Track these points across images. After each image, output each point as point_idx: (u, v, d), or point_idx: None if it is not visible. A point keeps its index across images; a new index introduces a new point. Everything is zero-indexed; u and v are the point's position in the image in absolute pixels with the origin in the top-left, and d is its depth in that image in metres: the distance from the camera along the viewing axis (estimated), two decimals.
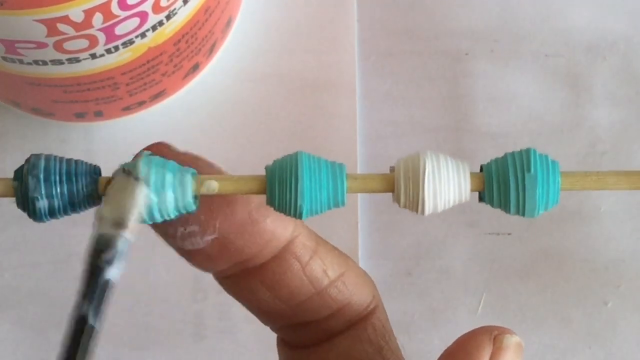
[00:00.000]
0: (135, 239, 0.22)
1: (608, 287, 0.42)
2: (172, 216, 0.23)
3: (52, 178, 0.23)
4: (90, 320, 0.21)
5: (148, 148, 0.25)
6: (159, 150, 0.25)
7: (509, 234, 0.43)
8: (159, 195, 0.23)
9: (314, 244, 0.26)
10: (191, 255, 0.25)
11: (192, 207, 0.23)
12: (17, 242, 0.42)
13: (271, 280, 0.26)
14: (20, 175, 0.23)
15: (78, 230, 0.42)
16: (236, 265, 0.26)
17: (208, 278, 0.42)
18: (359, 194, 0.42)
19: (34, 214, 0.23)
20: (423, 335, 0.41)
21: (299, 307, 0.26)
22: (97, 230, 0.22)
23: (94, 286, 0.21)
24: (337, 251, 0.27)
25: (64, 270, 0.42)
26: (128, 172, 0.23)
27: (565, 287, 0.42)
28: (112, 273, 0.22)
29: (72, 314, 0.21)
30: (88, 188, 0.23)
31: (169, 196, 0.23)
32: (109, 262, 0.21)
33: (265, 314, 0.27)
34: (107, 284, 0.22)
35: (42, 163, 0.23)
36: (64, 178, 0.23)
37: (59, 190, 0.23)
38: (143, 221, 0.23)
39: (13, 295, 0.42)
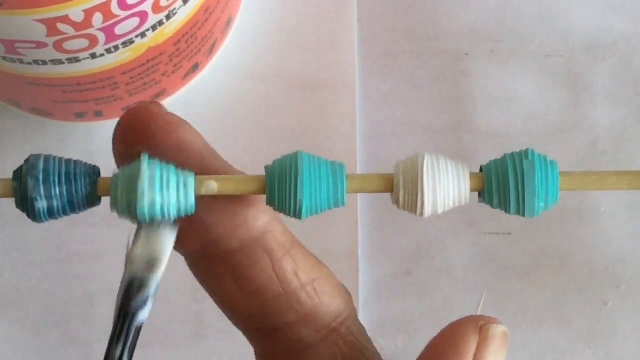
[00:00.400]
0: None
1: (608, 287, 0.42)
2: (173, 218, 0.23)
3: (51, 179, 0.23)
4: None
5: (139, 105, 0.24)
6: (149, 107, 0.24)
7: (509, 233, 0.43)
8: (162, 196, 0.23)
9: (289, 244, 0.26)
10: None
11: (193, 210, 0.23)
12: (17, 242, 0.42)
13: (239, 271, 0.25)
14: (19, 175, 0.23)
15: (78, 230, 0.42)
16: (205, 248, 0.25)
17: None
18: (359, 194, 0.42)
19: (33, 215, 0.23)
20: (423, 335, 0.41)
21: (265, 307, 0.26)
22: (128, 269, 0.22)
23: (127, 330, 0.21)
24: (313, 257, 0.26)
25: (64, 270, 0.42)
26: (166, 220, 0.23)
27: (565, 287, 0.42)
28: (144, 315, 0.22)
29: (105, 358, 0.21)
30: (87, 189, 0.23)
31: (172, 200, 0.23)
32: (143, 305, 0.22)
33: (232, 310, 0.26)
34: (139, 326, 0.22)
35: (41, 164, 0.23)
36: (63, 179, 0.23)
37: (58, 190, 0.23)
38: (141, 220, 0.23)
39: (13, 295, 0.42)
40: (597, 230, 0.43)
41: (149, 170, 0.23)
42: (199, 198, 0.24)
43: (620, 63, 0.44)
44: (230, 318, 0.27)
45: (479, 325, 0.24)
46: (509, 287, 0.42)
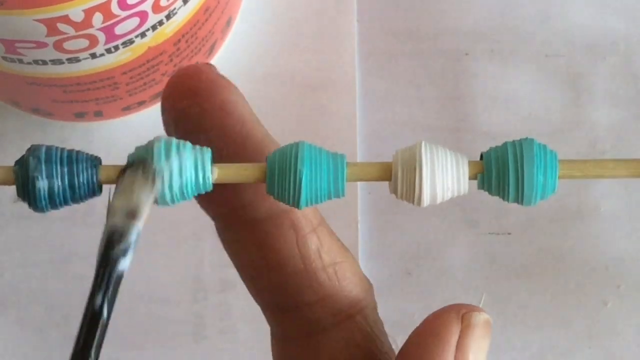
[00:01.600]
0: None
1: (608, 287, 0.42)
2: (191, 197, 0.23)
3: (53, 158, 0.23)
4: (105, 313, 0.21)
5: (191, 65, 0.25)
6: (197, 67, 0.25)
7: (509, 233, 0.43)
8: (178, 179, 0.23)
9: (317, 222, 0.26)
10: None
11: (210, 187, 0.23)
12: (17, 242, 0.42)
13: (263, 241, 0.25)
14: (21, 161, 0.23)
15: (78, 230, 0.42)
16: (233, 212, 0.25)
17: (208, 278, 0.42)
18: (359, 194, 0.42)
19: (34, 198, 0.23)
20: None
21: (284, 282, 0.26)
22: (109, 221, 0.22)
23: (108, 278, 0.21)
24: (340, 242, 0.26)
25: (64, 270, 0.42)
26: (141, 163, 0.23)
27: (565, 287, 0.42)
28: (124, 264, 0.22)
29: (86, 306, 0.21)
30: (89, 172, 0.23)
31: (189, 179, 0.23)
32: (123, 254, 0.22)
33: (252, 281, 0.27)
34: (120, 275, 0.22)
35: (44, 148, 0.23)
36: (65, 161, 0.23)
37: (59, 170, 0.23)
38: (165, 204, 0.23)
39: (13, 295, 0.42)
40: (597, 230, 0.43)
41: (165, 152, 0.23)
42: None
43: (620, 63, 0.44)
44: (250, 290, 0.27)
45: (460, 313, 0.24)
46: (509, 287, 0.42)
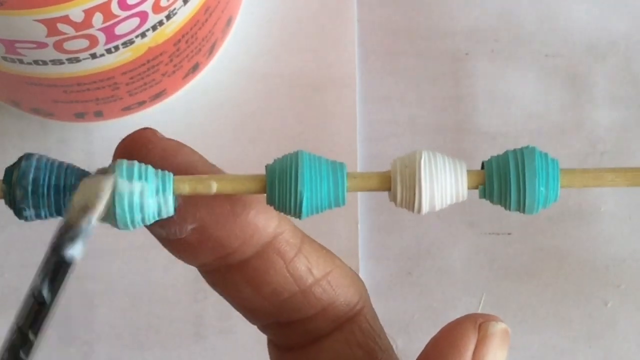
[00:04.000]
0: (97, 223, 0.23)
1: (608, 287, 0.42)
2: (152, 221, 0.23)
3: (40, 191, 0.23)
4: (45, 296, 0.22)
5: (134, 133, 0.25)
6: (144, 135, 0.25)
7: (509, 233, 0.43)
8: (139, 201, 0.23)
9: (299, 242, 0.26)
10: (172, 245, 0.25)
11: (172, 213, 0.23)
12: (17, 242, 0.42)
13: (253, 277, 0.25)
14: (9, 178, 0.23)
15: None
16: (218, 259, 0.25)
17: None
18: (359, 194, 0.42)
19: (20, 218, 0.23)
20: (423, 335, 0.41)
21: (283, 306, 0.26)
22: (65, 217, 0.23)
23: (51, 263, 0.22)
24: (324, 250, 0.27)
25: None
26: (101, 170, 0.23)
27: (565, 287, 0.42)
28: (73, 252, 0.22)
29: (27, 291, 0.22)
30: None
31: (151, 204, 0.23)
32: (70, 241, 0.22)
33: (248, 312, 0.27)
34: (64, 261, 0.22)
35: (32, 173, 0.23)
36: (52, 191, 0.23)
37: (46, 201, 0.23)
38: (127, 226, 0.23)
39: (13, 295, 0.42)
40: (597, 230, 0.43)
41: (126, 173, 0.23)
42: (198, 197, 0.24)
43: (620, 63, 0.44)
44: (246, 317, 0.27)
45: (477, 323, 0.24)
46: (509, 287, 0.42)
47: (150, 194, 0.23)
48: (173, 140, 0.25)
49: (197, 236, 0.24)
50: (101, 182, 0.23)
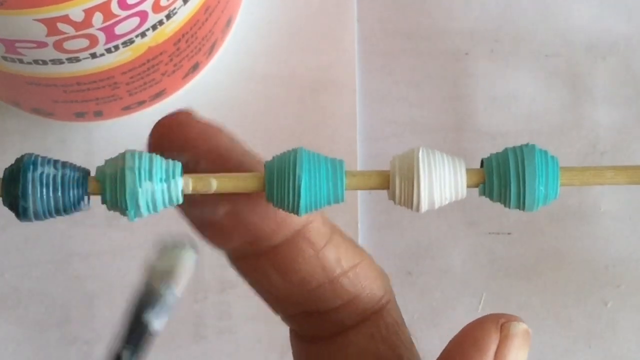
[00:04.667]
0: (181, 293, 0.23)
1: (608, 287, 0.42)
2: (158, 210, 0.23)
3: (40, 191, 0.23)
4: None
5: (172, 115, 0.25)
6: (181, 117, 0.25)
7: (509, 233, 0.43)
8: (149, 188, 0.23)
9: (329, 232, 0.26)
10: (205, 227, 0.25)
11: (180, 201, 0.23)
12: (17, 242, 0.42)
13: (283, 264, 0.25)
14: (9, 179, 0.23)
15: (78, 230, 0.42)
16: (249, 244, 0.25)
17: (208, 278, 0.42)
18: (359, 194, 0.42)
19: (19, 217, 0.23)
20: (423, 335, 0.41)
21: (310, 295, 0.26)
22: (148, 282, 0.23)
23: (139, 338, 0.22)
24: (352, 242, 0.27)
25: (64, 270, 0.42)
26: (190, 242, 0.24)
27: (565, 287, 0.42)
28: (158, 325, 0.23)
29: (108, 355, 0.22)
30: (75, 197, 0.23)
31: (157, 191, 0.23)
32: (157, 317, 0.22)
33: (275, 300, 0.27)
34: (149, 335, 0.23)
35: (31, 174, 0.23)
36: (51, 191, 0.23)
37: (45, 202, 0.23)
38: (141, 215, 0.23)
39: (13, 295, 0.42)
40: (597, 230, 0.43)
41: (134, 162, 0.23)
42: (197, 195, 0.24)
43: (620, 63, 0.44)
44: (271, 306, 0.27)
45: (499, 323, 0.24)
46: (509, 287, 0.42)
47: (158, 192, 0.23)
48: (210, 122, 0.25)
49: (229, 219, 0.24)
50: (185, 253, 0.23)
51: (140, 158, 0.23)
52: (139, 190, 0.23)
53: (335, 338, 0.27)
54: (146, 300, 0.22)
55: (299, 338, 0.28)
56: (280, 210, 0.24)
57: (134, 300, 0.23)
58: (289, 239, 0.25)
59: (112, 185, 0.23)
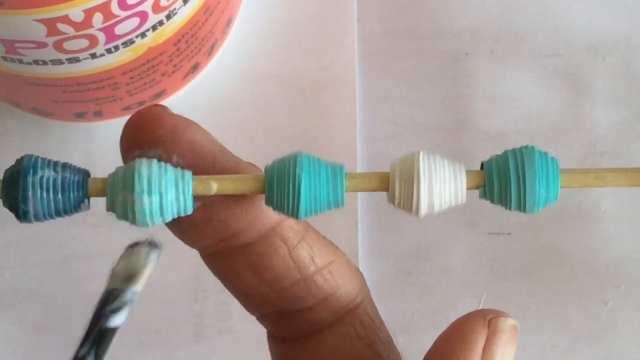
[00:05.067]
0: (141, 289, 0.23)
1: (608, 287, 0.42)
2: (170, 219, 0.23)
3: (39, 192, 0.23)
4: None
5: (144, 109, 0.25)
6: (155, 111, 0.25)
7: (509, 233, 0.43)
8: (160, 198, 0.23)
9: (303, 229, 0.26)
10: (176, 224, 0.25)
11: (190, 211, 0.23)
12: (17, 242, 0.42)
13: (255, 262, 0.25)
14: (9, 180, 0.23)
15: (78, 230, 0.42)
16: (222, 241, 0.25)
17: (208, 278, 0.42)
18: (359, 194, 0.42)
19: (19, 219, 0.24)
20: (423, 335, 0.41)
21: (284, 293, 0.26)
22: (108, 284, 0.23)
23: (97, 334, 0.23)
24: (326, 240, 0.27)
25: (64, 270, 0.42)
26: (148, 242, 0.24)
27: (565, 287, 0.42)
28: (117, 321, 0.23)
29: (72, 357, 0.23)
30: (76, 199, 0.23)
31: (169, 200, 0.23)
32: (115, 312, 0.22)
33: (249, 299, 0.27)
34: (109, 329, 0.23)
35: (31, 175, 0.23)
36: (50, 192, 0.23)
37: (45, 203, 0.23)
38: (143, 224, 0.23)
39: (13, 295, 0.42)
40: (597, 230, 0.43)
41: (146, 171, 0.23)
42: (199, 198, 0.24)
43: (620, 63, 0.44)
44: (245, 306, 0.27)
45: (487, 318, 0.24)
46: (509, 287, 0.42)
47: (169, 203, 0.23)
48: (183, 117, 0.25)
49: (201, 215, 0.24)
50: (147, 255, 0.23)
51: (150, 167, 0.23)
52: (148, 201, 0.23)
53: (311, 338, 0.26)
54: (106, 299, 0.23)
55: (275, 339, 0.27)
56: (253, 205, 0.24)
57: (96, 304, 0.23)
58: (262, 236, 0.25)
59: (124, 195, 0.23)
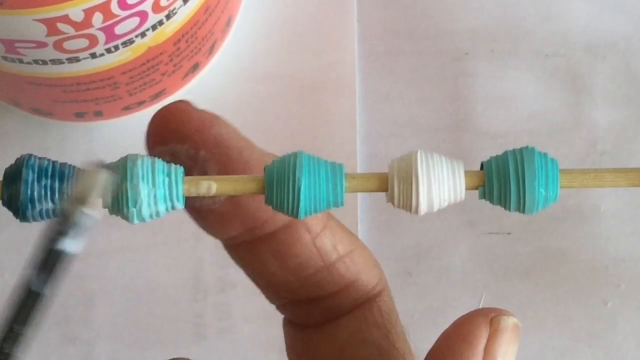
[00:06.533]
0: (99, 215, 0.22)
1: (608, 287, 0.42)
2: (162, 215, 0.23)
3: (39, 192, 0.23)
4: (35, 287, 0.22)
5: (170, 105, 0.25)
6: (180, 106, 0.25)
7: (509, 233, 0.43)
8: (148, 194, 0.23)
9: (326, 218, 0.26)
10: (205, 216, 0.25)
11: (182, 206, 0.23)
12: (17, 242, 0.42)
13: (281, 250, 0.26)
14: (8, 180, 0.23)
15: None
16: (247, 232, 0.25)
17: (208, 278, 0.42)
18: (359, 194, 0.42)
19: (19, 218, 0.24)
20: (423, 335, 0.41)
21: (307, 281, 0.26)
22: (61, 207, 0.22)
23: (44, 255, 0.22)
24: (347, 229, 0.27)
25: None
26: (98, 164, 0.23)
27: (565, 287, 0.42)
28: (68, 244, 0.22)
29: (19, 280, 0.22)
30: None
31: (159, 196, 0.23)
32: (63, 233, 0.22)
33: (272, 287, 0.27)
34: (58, 253, 0.22)
35: (30, 175, 0.23)
36: (50, 192, 0.23)
37: (44, 203, 0.23)
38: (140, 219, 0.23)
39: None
40: (597, 230, 0.43)
41: (136, 169, 0.23)
42: (199, 199, 0.24)
43: (620, 63, 0.44)
44: (268, 294, 0.27)
45: (489, 317, 0.24)
46: (509, 287, 0.42)
47: (160, 197, 0.23)
48: (208, 111, 0.25)
49: (228, 207, 0.25)
50: (97, 175, 0.23)
51: (142, 163, 0.23)
52: (141, 196, 0.23)
53: (329, 323, 0.27)
54: (60, 225, 0.22)
55: (293, 325, 0.28)
56: None
57: (47, 227, 0.22)
58: (286, 225, 0.25)
59: (113, 191, 0.23)
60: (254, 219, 0.25)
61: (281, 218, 0.25)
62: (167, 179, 0.23)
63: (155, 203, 0.23)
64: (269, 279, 0.26)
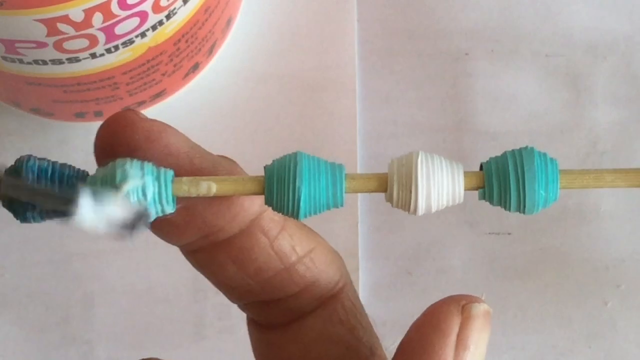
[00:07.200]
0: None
1: (608, 287, 0.42)
2: (152, 219, 0.23)
3: (38, 192, 0.23)
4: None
5: (117, 114, 0.24)
6: (127, 116, 0.24)
7: (509, 233, 0.43)
8: (138, 199, 0.23)
9: (282, 219, 0.26)
10: (159, 225, 0.25)
11: (172, 210, 0.23)
12: (17, 242, 0.42)
13: (238, 255, 0.25)
14: (7, 180, 0.23)
15: (78, 230, 0.42)
16: (203, 238, 0.25)
17: None
18: (359, 194, 0.42)
19: (19, 220, 0.24)
20: None
21: (266, 284, 0.26)
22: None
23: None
24: (306, 228, 0.27)
25: (64, 270, 0.42)
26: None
27: (565, 287, 0.42)
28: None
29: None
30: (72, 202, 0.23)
31: (149, 199, 0.23)
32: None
33: (232, 290, 0.27)
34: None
35: (30, 176, 0.23)
36: (49, 193, 0.23)
37: (44, 203, 0.23)
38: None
39: (13, 295, 0.42)
40: (597, 230, 0.43)
41: (125, 172, 0.23)
42: (181, 198, 0.24)
43: (620, 63, 0.44)
44: (228, 296, 0.27)
45: (461, 304, 0.24)
46: (509, 287, 0.42)
47: (150, 199, 0.23)
48: (157, 121, 0.25)
49: (183, 215, 0.24)
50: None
51: (131, 166, 0.23)
52: (130, 199, 0.23)
53: (293, 323, 0.27)
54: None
55: (256, 326, 0.27)
56: (234, 201, 0.24)
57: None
58: (243, 230, 0.25)
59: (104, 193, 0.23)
60: (210, 226, 0.25)
61: (238, 224, 0.25)
62: (156, 183, 0.23)
63: (147, 212, 0.23)
64: (228, 282, 0.26)
